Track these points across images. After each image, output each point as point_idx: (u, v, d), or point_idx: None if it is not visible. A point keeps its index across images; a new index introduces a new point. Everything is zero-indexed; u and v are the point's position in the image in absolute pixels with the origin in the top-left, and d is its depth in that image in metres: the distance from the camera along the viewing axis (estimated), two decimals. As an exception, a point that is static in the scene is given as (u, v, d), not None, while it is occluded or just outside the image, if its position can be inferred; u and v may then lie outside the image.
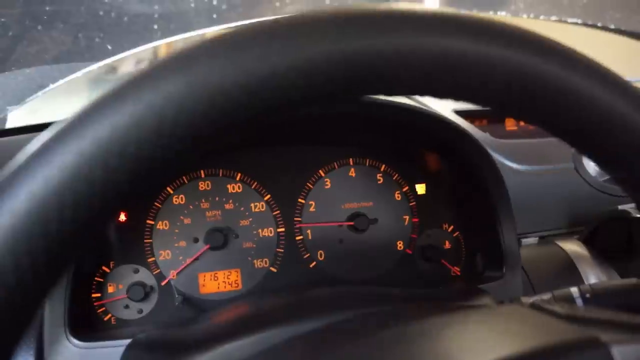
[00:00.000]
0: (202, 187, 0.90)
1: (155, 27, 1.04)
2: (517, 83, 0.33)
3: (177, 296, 0.86)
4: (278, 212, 0.91)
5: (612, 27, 1.06)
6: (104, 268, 0.86)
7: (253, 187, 0.91)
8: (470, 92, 0.34)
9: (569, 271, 0.95)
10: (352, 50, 0.31)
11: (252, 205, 0.91)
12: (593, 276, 0.94)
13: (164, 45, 1.05)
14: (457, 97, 0.35)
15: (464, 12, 0.34)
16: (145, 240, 0.88)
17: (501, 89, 0.34)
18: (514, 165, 1.15)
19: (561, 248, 0.99)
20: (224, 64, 0.29)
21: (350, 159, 0.94)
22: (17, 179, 0.28)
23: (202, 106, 0.29)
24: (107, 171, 0.28)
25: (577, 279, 0.93)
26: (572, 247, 1.00)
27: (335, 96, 0.32)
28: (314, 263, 0.92)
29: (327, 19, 0.31)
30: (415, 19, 0.32)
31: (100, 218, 0.29)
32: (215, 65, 0.29)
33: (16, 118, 1.10)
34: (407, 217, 0.94)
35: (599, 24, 1.05)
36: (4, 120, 1.15)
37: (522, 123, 1.32)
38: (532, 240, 1.09)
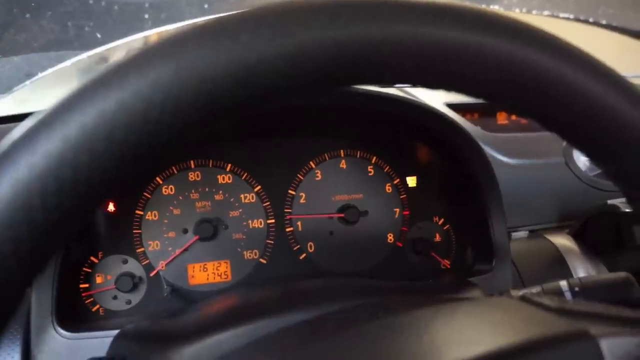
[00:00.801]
0: (191, 178, 0.89)
1: (146, 16, 1.03)
2: (508, 74, 0.33)
3: (165, 287, 0.85)
4: (268, 203, 0.91)
5: (604, 22, 1.06)
6: (92, 258, 0.85)
7: (243, 178, 0.90)
8: (462, 82, 0.34)
9: (558, 265, 0.96)
10: (342, 38, 0.30)
11: (242, 196, 0.90)
12: (582, 270, 0.94)
13: (155, 35, 1.05)
14: (448, 87, 0.35)
15: (456, 2, 0.34)
16: (134, 231, 0.87)
17: (493, 80, 0.33)
18: (505, 159, 1.15)
19: (551, 242, 1.00)
20: (212, 50, 0.29)
21: (341, 151, 0.94)
22: (1, 165, 0.27)
23: (189, 93, 0.29)
24: (92, 157, 0.28)
25: (567, 273, 0.94)
26: (562, 241, 1.00)
27: (324, 85, 0.32)
28: (303, 255, 0.92)
29: (317, 6, 0.31)
30: (407, 8, 0.32)
31: (86, 205, 0.29)
32: (202, 51, 0.29)
33: (3, 107, 1.09)
34: (397, 210, 0.94)
35: (591, 19, 1.05)
36: (-9, 108, 1.13)
37: (513, 117, 1.33)
38: (522, 234, 1.09)
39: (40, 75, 1.03)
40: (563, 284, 0.68)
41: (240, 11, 0.31)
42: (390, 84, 0.35)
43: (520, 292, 0.66)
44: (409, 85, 0.35)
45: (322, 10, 0.31)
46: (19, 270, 0.28)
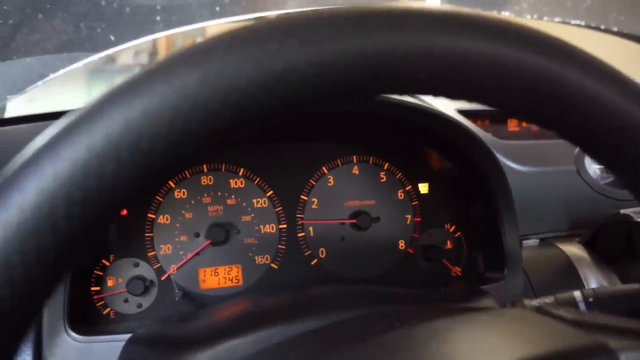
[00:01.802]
0: (204, 182, 0.89)
1: (158, 18, 1.03)
2: (532, 85, 0.33)
3: (177, 291, 0.85)
4: (280, 208, 0.91)
5: (615, 29, 1.06)
6: (103, 261, 0.85)
7: (256, 182, 0.90)
8: (484, 93, 0.34)
9: (569, 274, 0.95)
10: (369, 48, 0.30)
11: (255, 201, 0.90)
12: (593, 279, 0.94)
13: (165, 37, 1.05)
14: (470, 99, 0.35)
15: (480, 12, 0.34)
16: (146, 234, 0.87)
17: (515, 92, 0.33)
18: (516, 166, 1.15)
19: (562, 250, 1.00)
20: (239, 59, 0.29)
21: (354, 157, 0.94)
22: (26, 173, 0.27)
23: (216, 102, 0.29)
24: (118, 167, 0.28)
25: (578, 282, 0.93)
26: (573, 249, 1.00)
27: (350, 94, 0.32)
28: (315, 260, 0.92)
29: (344, 17, 0.31)
30: (432, 19, 0.32)
31: (110, 214, 0.29)
32: (230, 61, 0.29)
33: (15, 107, 1.09)
34: (409, 216, 0.94)
35: (602, 27, 1.05)
36: (3, 109, 1.14)
37: (524, 124, 1.32)
38: (532, 242, 1.09)
39: (52, 75, 1.03)
40: (577, 294, 0.68)
41: (267, 19, 0.31)
42: (414, 94, 0.35)
43: (534, 302, 0.66)
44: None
45: (349, 20, 0.31)
46: (43, 279, 0.28)
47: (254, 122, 0.30)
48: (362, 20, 0.31)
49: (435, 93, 0.34)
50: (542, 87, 0.33)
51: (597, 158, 0.39)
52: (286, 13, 0.32)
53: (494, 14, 0.34)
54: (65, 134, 0.28)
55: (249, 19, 1.02)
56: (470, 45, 0.32)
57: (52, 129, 0.29)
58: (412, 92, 0.34)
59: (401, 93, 0.34)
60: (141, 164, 0.28)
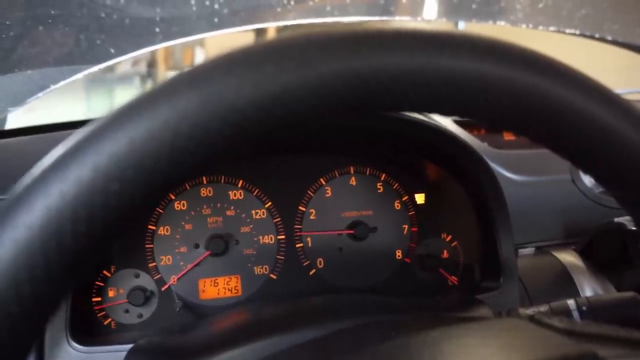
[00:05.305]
0: (203, 193, 0.90)
1: (157, 30, 1.04)
2: (522, 103, 0.34)
3: (177, 301, 0.86)
4: (279, 219, 0.92)
5: (610, 38, 1.07)
6: (104, 272, 0.86)
7: (254, 194, 0.91)
8: (476, 111, 0.35)
9: (565, 282, 0.96)
10: (363, 68, 0.31)
11: (253, 212, 0.91)
12: (588, 287, 0.95)
13: (164, 47, 1.06)
14: (462, 116, 0.36)
15: (471, 32, 0.35)
16: (146, 245, 0.88)
17: (505, 109, 0.35)
18: (512, 176, 1.16)
19: (557, 259, 1.00)
20: (237, 81, 0.30)
21: (351, 168, 0.94)
22: (33, 192, 0.28)
23: (215, 122, 0.30)
24: (122, 185, 0.29)
25: (573, 290, 0.94)
26: (568, 258, 1.01)
27: (345, 113, 0.33)
28: (313, 271, 0.92)
29: (338, 38, 0.32)
30: (425, 39, 0.33)
31: (115, 231, 0.30)
32: (228, 82, 0.30)
33: (16, 119, 1.10)
34: (406, 226, 0.95)
35: (597, 35, 1.06)
36: (4, 121, 1.15)
37: (520, 133, 1.33)
38: (528, 250, 1.10)
39: (52, 87, 1.04)
40: (571, 303, 0.69)
41: (265, 41, 0.32)
42: (408, 112, 0.36)
43: (529, 311, 0.67)
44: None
45: (344, 41, 0.32)
46: (50, 294, 0.29)
47: (253, 141, 0.31)
48: (355, 41, 0.32)
49: (429, 110, 0.35)
50: (531, 105, 0.34)
51: (586, 170, 0.40)
52: (283, 35, 0.33)
53: (482, 32, 0.36)
54: (71, 154, 0.29)
55: (248, 31, 1.03)
56: (462, 64, 0.33)
57: (59, 149, 0.30)
58: (406, 110, 0.35)
59: (395, 111, 0.36)
60: (144, 183, 0.29)
